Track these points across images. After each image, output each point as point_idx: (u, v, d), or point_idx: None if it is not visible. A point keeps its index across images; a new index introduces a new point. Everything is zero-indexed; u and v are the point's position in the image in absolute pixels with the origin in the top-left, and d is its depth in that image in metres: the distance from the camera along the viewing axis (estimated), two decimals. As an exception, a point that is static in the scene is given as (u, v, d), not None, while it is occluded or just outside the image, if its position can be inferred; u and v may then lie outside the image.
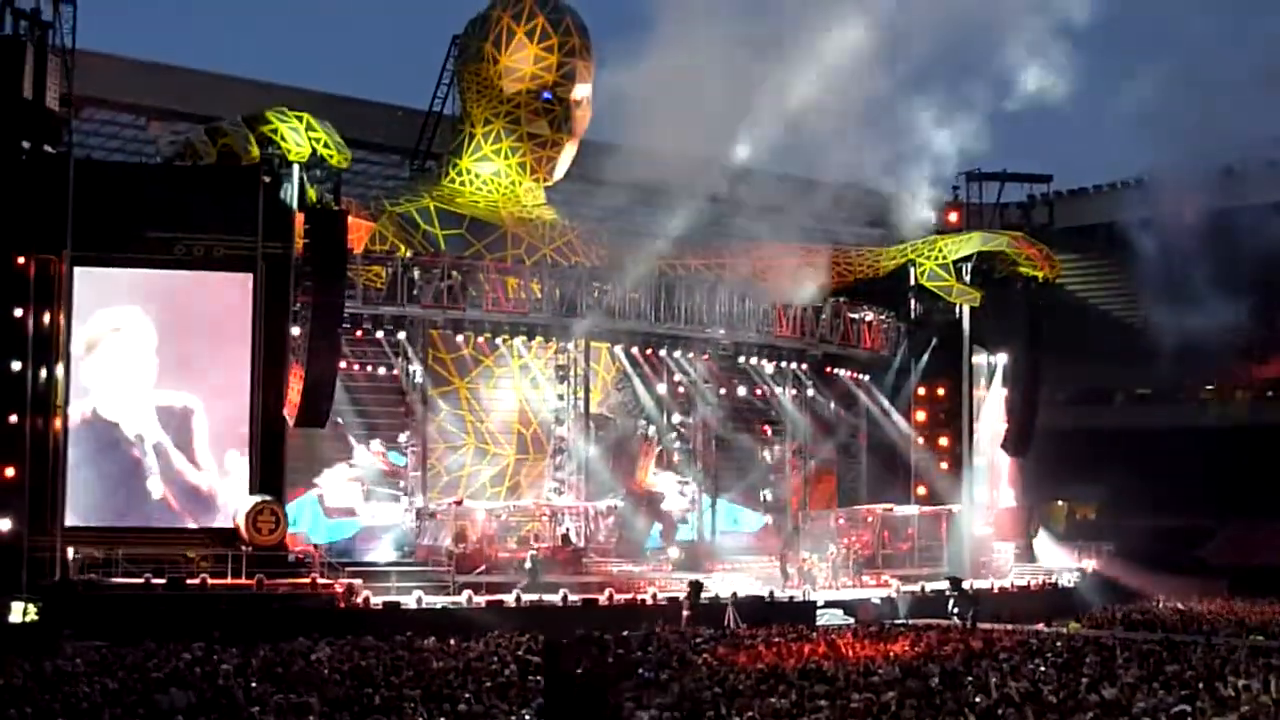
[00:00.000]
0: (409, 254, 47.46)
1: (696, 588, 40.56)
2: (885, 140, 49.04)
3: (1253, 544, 61.77)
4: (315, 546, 41.94)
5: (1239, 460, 61.25)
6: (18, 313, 38.16)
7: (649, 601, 41.38)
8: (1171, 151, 55.46)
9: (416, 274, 45.26)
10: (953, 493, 54.13)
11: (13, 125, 38.42)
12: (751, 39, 45.52)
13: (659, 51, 43.27)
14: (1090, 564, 55.28)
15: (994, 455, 57.41)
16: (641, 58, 43.79)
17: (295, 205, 40.81)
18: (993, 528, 55.61)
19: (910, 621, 41.20)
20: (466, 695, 23.56)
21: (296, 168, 40.80)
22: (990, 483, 57.30)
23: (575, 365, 48.14)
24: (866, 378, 55.39)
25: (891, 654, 30.66)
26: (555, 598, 40.28)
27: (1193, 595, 50.52)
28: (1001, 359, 57.27)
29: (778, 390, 53.05)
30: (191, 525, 39.67)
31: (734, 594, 41.37)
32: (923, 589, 46.66)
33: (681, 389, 51.65)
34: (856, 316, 54.13)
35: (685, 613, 39.39)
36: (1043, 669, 27.20)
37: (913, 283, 55.88)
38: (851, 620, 42.22)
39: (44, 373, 38.50)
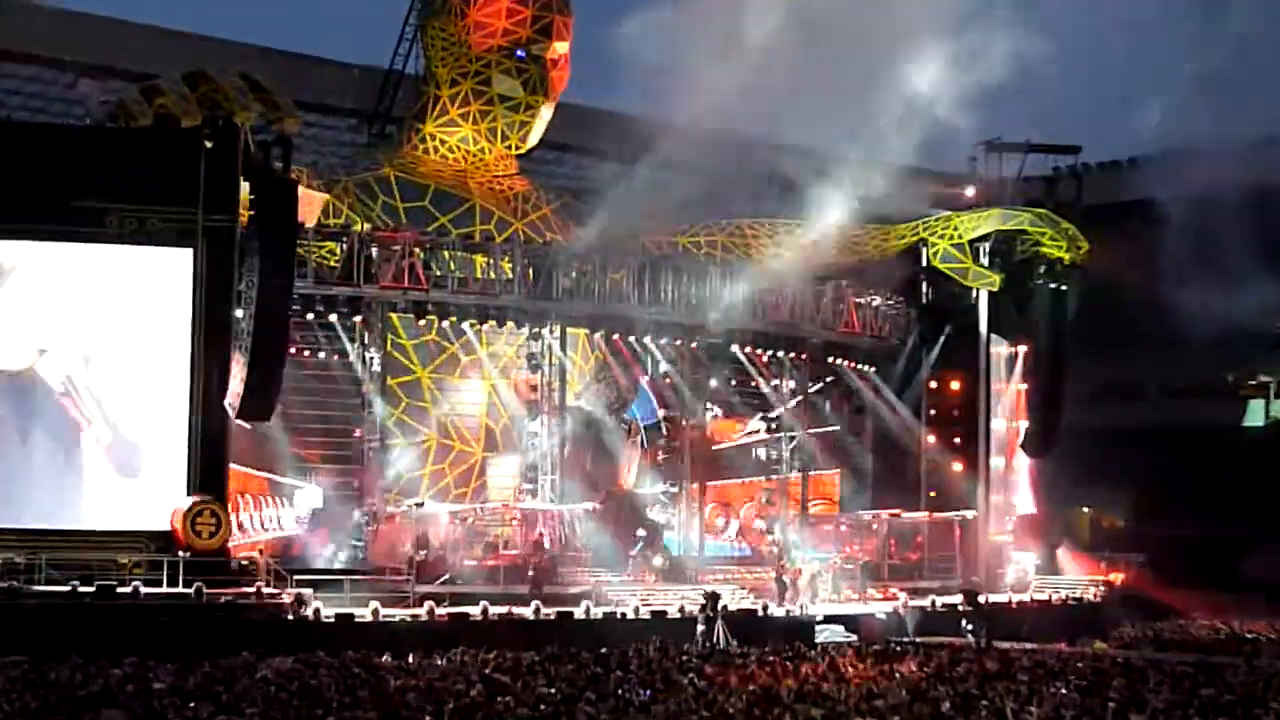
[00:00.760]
0: (366, 228, 47.42)
1: (713, 600, 40.63)
2: (895, 104, 49.00)
3: (1298, 557, 61.99)
4: (260, 551, 41.93)
5: (1283, 463, 61.58)
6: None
7: (631, 616, 41.47)
8: (1213, 120, 55.55)
9: (374, 251, 45.23)
10: (967, 497, 54.32)
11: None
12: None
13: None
14: (1118, 577, 55.44)
15: (1013, 456, 57.55)
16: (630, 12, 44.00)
17: (240, 174, 40.72)
18: (1011, 536, 55.77)
19: (919, 639, 41.32)
20: (427, 718, 23.61)
21: (242, 131, 40.70)
22: (1008, 486, 57.40)
23: (550, 353, 48.14)
24: (872, 369, 55.51)
25: (898, 675, 30.70)
26: (526, 611, 40.31)
27: (1231, 613, 50.65)
28: (1022, 349, 57.36)
29: (773, 382, 53.14)
30: (127, 527, 39.54)
31: (723, 607, 41.39)
32: (933, 603, 46.78)
33: (668, 380, 51.73)
34: (862, 301, 54.19)
35: (700, 628, 39.50)
36: (1065, 693, 27.27)
37: (924, 264, 55.92)
38: (854, 637, 42.23)
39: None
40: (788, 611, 44.16)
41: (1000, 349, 57.22)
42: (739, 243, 54.34)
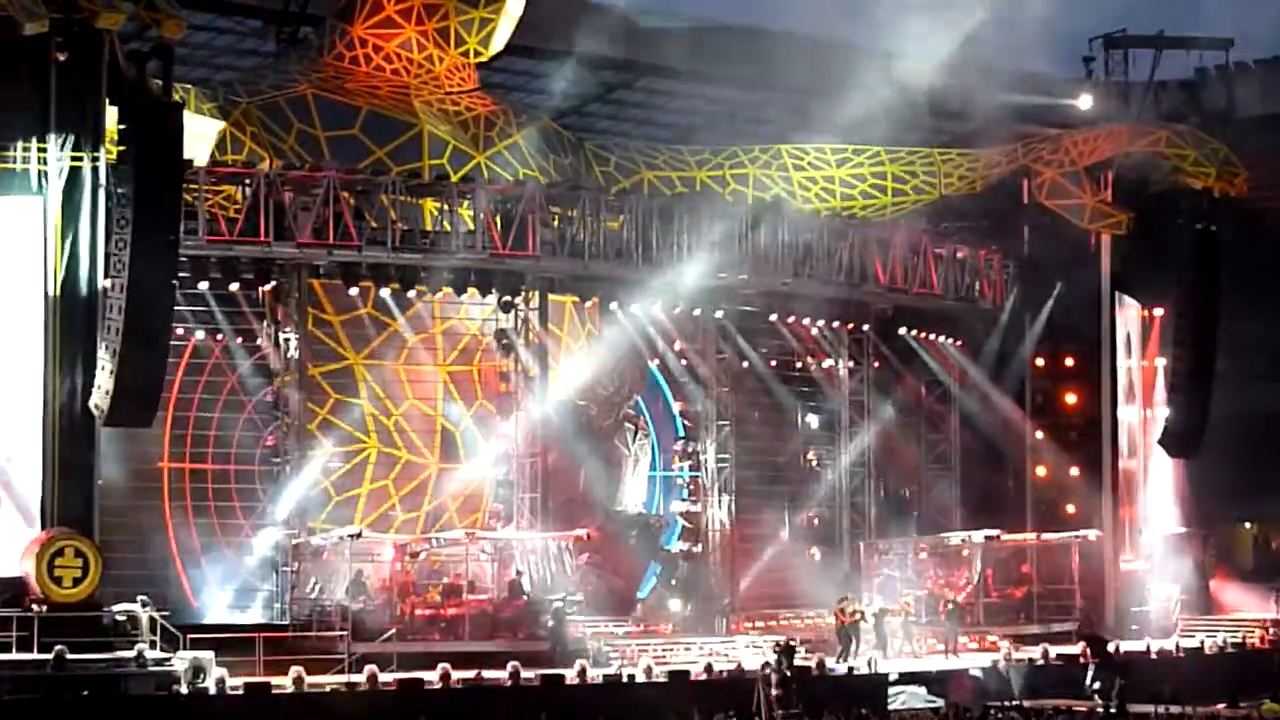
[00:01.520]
0: (277, 166, 47.24)
1: (788, 653, 40.58)
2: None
3: None
4: (144, 602, 41.75)
5: None
6: None
7: (641, 679, 41.38)
8: None
9: (289, 196, 45.18)
10: (1087, 512, 54.19)
11: None
12: None
13: None
14: (1293, 614, 55.56)
15: (1148, 456, 57.45)
16: None
17: (105, 95, 40.49)
18: (1148, 563, 55.74)
19: (1027, 704, 41.12)
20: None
21: (107, 39, 40.45)
22: (1143, 497, 57.33)
23: (527, 329, 48.03)
24: (958, 343, 55.48)
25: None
26: (501, 674, 40.14)
27: None
28: (1159, 313, 57.23)
29: (827, 362, 52.96)
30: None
31: (766, 664, 41.25)
32: (1045, 654, 46.97)
33: (684, 361, 51.59)
34: (943, 252, 54.21)
35: (773, 691, 39.39)
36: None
37: (1027, 201, 55.89)
38: (939, 702, 42.37)
39: None
40: (850, 669, 44.12)
41: (1130, 313, 57.12)
42: (776, 176, 54.14)
